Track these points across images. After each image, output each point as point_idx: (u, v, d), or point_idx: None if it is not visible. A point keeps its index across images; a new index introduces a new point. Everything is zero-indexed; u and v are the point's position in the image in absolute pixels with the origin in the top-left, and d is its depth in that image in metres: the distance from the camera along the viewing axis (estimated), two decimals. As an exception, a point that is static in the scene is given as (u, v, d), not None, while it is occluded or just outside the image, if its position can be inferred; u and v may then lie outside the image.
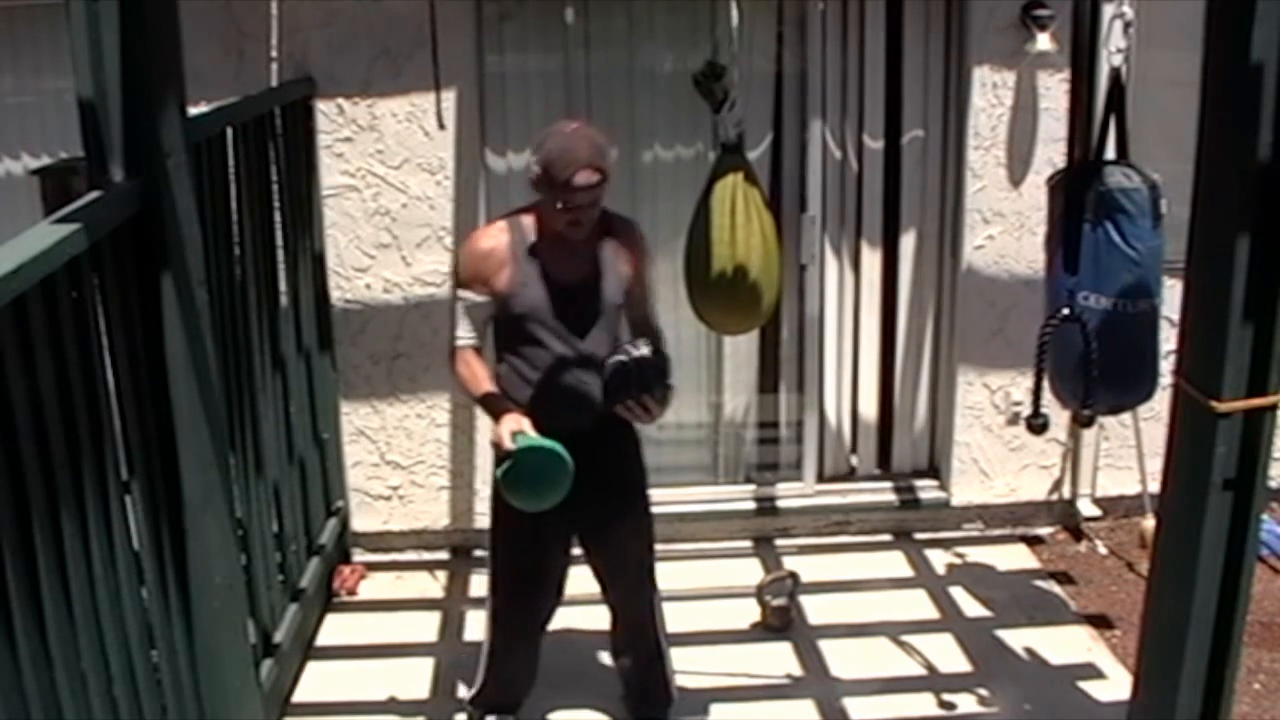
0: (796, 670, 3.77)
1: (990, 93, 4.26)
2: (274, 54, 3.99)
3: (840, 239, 4.56)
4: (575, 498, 2.91)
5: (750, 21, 3.70)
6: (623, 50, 4.38)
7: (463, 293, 3.08)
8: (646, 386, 2.96)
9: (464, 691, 3.63)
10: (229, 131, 3.29)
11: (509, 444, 2.87)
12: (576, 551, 3.35)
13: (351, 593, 4.30)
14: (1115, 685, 3.59)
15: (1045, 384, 3.12)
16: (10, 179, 4.57)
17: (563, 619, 3.45)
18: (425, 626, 4.08)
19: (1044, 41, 4.10)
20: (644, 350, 3.01)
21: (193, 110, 2.80)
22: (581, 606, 3.58)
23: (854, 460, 4.82)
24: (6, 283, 1.89)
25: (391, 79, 4.12)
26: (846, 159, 4.50)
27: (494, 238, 3.07)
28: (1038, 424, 3.16)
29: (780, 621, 3.95)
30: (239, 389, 3.30)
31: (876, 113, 4.46)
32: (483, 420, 4.39)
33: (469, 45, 4.16)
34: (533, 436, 2.90)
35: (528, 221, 3.08)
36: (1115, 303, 3.01)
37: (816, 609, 4.10)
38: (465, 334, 3.09)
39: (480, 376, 3.08)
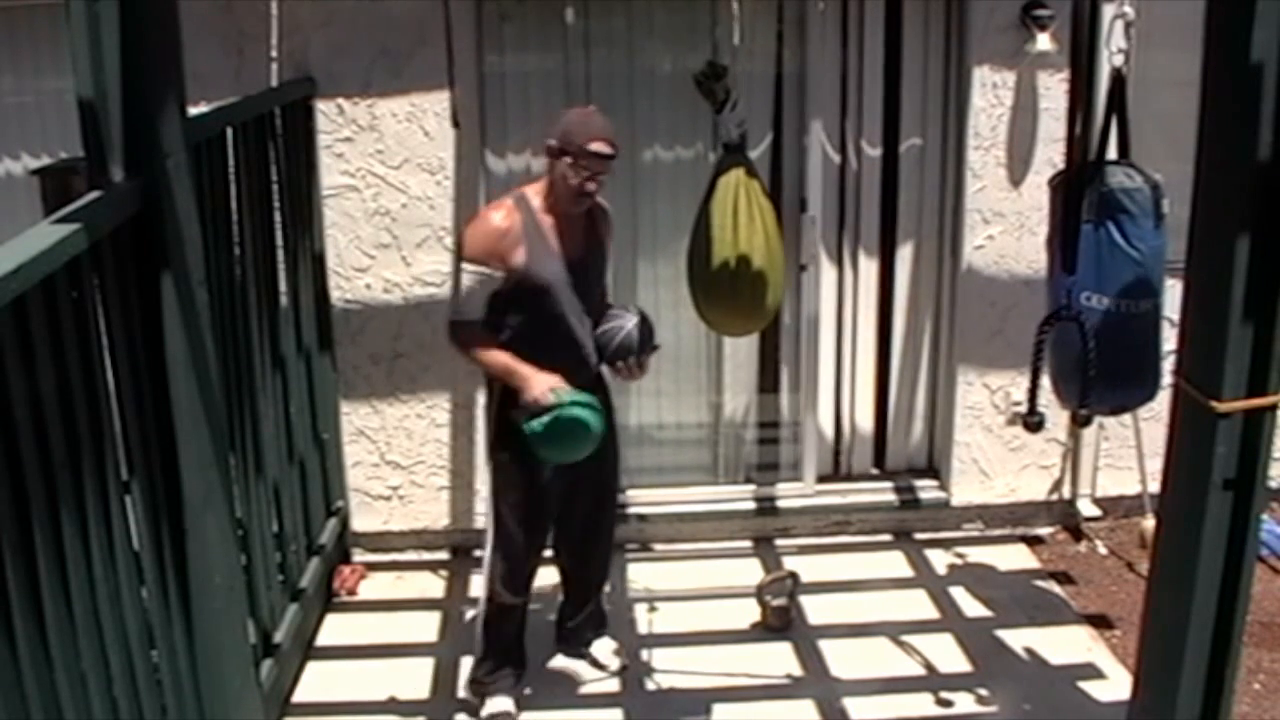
0: (796, 670, 3.77)
1: (990, 93, 4.26)
2: (274, 54, 3.99)
3: (840, 240, 4.56)
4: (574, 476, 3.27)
5: (750, 22, 3.70)
6: (623, 50, 4.39)
7: (476, 268, 3.24)
8: (645, 348, 3.34)
9: (463, 691, 3.65)
10: (229, 131, 3.29)
11: (550, 399, 3.15)
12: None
13: (351, 593, 4.30)
14: (1115, 685, 3.59)
15: (1043, 383, 3.13)
16: (10, 179, 4.56)
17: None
18: (425, 626, 4.08)
19: (1044, 41, 4.10)
20: (638, 316, 3.36)
21: (193, 110, 2.80)
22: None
23: (854, 460, 4.82)
24: (6, 283, 1.89)
25: (391, 79, 4.12)
26: (846, 160, 4.50)
27: (508, 215, 3.27)
28: (1034, 422, 3.16)
29: (780, 622, 3.96)
30: (239, 389, 3.30)
31: (876, 113, 4.46)
32: (483, 420, 4.39)
33: (469, 45, 4.16)
34: (573, 392, 3.17)
35: (534, 199, 3.31)
36: (1117, 303, 3.01)
37: (816, 609, 4.10)
38: (477, 307, 3.28)
39: (494, 347, 3.27)
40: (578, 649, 3.83)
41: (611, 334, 3.32)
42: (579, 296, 3.32)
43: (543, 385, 3.18)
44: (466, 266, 3.26)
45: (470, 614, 3.76)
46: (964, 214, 4.37)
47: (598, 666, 3.79)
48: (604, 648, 3.81)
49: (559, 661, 3.83)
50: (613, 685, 3.73)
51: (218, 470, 2.69)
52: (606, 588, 3.88)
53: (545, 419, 3.17)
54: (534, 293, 3.25)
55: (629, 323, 3.33)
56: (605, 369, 3.41)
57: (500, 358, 3.26)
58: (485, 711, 3.53)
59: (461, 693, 3.65)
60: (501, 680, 3.56)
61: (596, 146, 3.19)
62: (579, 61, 4.34)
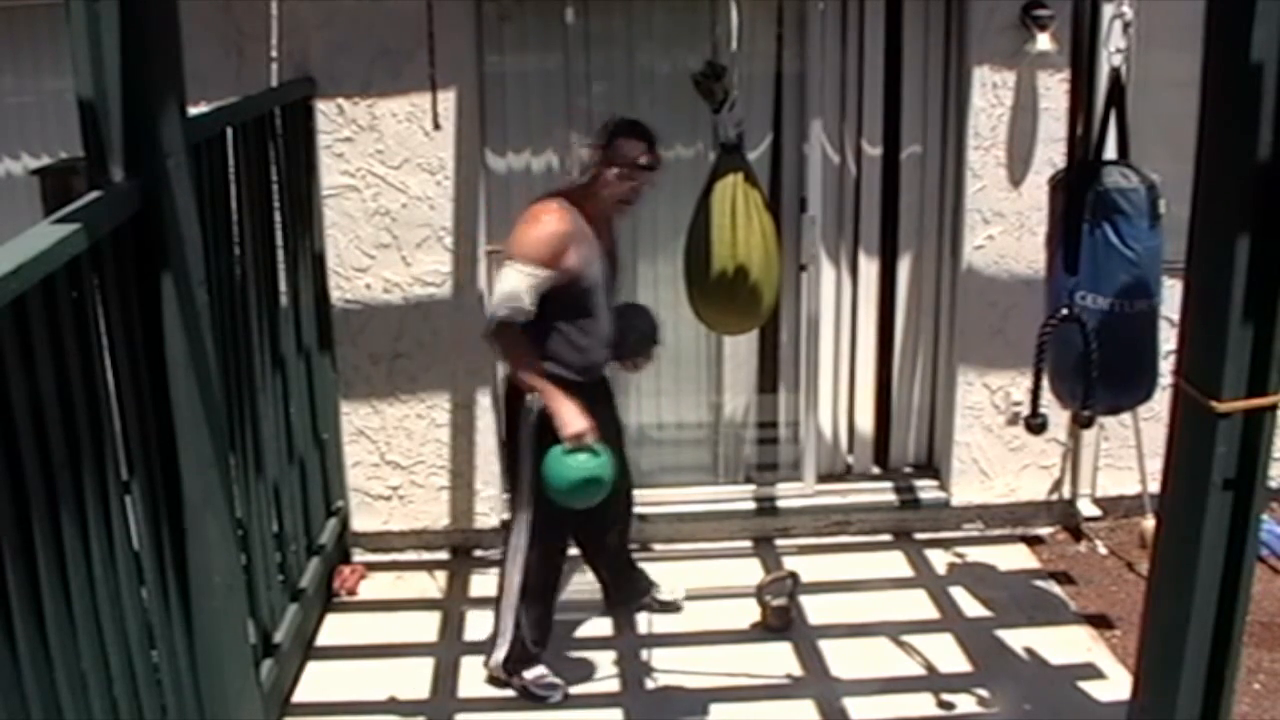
0: (796, 670, 3.77)
1: (990, 93, 4.26)
2: (274, 54, 3.99)
3: (840, 240, 4.56)
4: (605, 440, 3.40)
5: (750, 22, 3.69)
6: (623, 50, 4.39)
7: (533, 270, 3.29)
8: (655, 343, 3.66)
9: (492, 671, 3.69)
10: (229, 131, 3.29)
11: (587, 439, 3.28)
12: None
13: (351, 593, 4.30)
14: (1115, 685, 3.59)
15: (1044, 384, 3.12)
16: (10, 179, 4.57)
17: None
18: (425, 626, 4.08)
19: (1044, 41, 4.09)
20: (648, 311, 3.65)
21: (193, 110, 2.80)
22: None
23: (853, 460, 4.82)
24: (6, 283, 1.89)
25: (391, 79, 4.12)
26: (846, 160, 4.50)
27: (566, 219, 3.36)
28: (1036, 424, 3.16)
29: (780, 621, 3.96)
30: (239, 389, 3.30)
31: (876, 113, 4.46)
32: (483, 420, 4.40)
33: (469, 45, 4.16)
34: (600, 452, 3.32)
35: (577, 201, 3.41)
36: (1113, 303, 3.01)
37: (816, 609, 4.10)
38: (527, 309, 3.29)
39: (530, 350, 3.38)
40: (638, 606, 4.05)
41: (640, 329, 3.56)
42: (609, 293, 3.52)
43: (578, 424, 3.28)
44: (522, 268, 3.28)
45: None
46: (964, 214, 4.37)
47: (667, 606, 4.06)
48: (666, 589, 4.06)
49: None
50: (613, 685, 3.73)
51: (218, 470, 2.69)
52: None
53: (573, 479, 3.28)
54: (582, 293, 3.39)
55: (643, 318, 3.61)
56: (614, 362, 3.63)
57: (537, 368, 3.35)
58: (531, 674, 3.63)
59: (488, 677, 3.69)
60: (538, 651, 3.66)
61: (646, 160, 3.36)
62: (579, 61, 4.34)
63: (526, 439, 3.45)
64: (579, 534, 3.74)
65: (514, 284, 3.28)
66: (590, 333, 3.44)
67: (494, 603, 3.70)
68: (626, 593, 4.04)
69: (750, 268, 3.31)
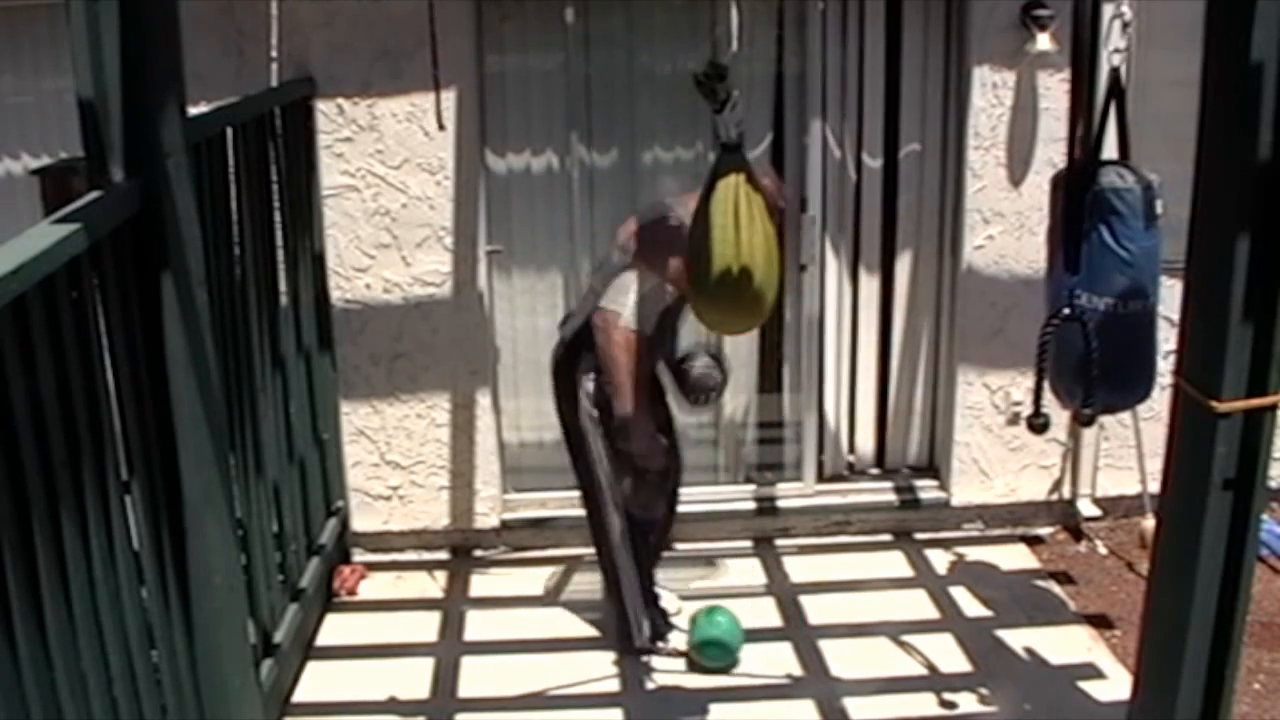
0: (796, 670, 3.77)
1: (990, 93, 4.26)
2: (274, 54, 3.99)
3: (840, 240, 4.56)
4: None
5: (750, 22, 3.69)
6: (623, 50, 4.38)
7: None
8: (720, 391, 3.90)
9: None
10: (229, 131, 3.28)
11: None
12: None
13: (351, 593, 4.30)
14: (1115, 685, 3.59)
15: (1046, 383, 3.12)
16: (10, 179, 4.56)
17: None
18: (425, 626, 4.08)
19: (1044, 41, 4.10)
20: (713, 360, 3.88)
21: (193, 110, 2.80)
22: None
23: (854, 460, 4.82)
24: (6, 283, 1.89)
25: (391, 79, 4.12)
26: (846, 159, 4.50)
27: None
28: (1039, 423, 3.16)
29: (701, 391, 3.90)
30: (239, 389, 3.30)
31: (876, 113, 4.46)
32: (483, 420, 4.40)
33: (469, 45, 4.16)
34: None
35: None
36: (1107, 302, 3.01)
37: (816, 609, 4.10)
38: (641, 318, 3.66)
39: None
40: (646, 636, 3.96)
41: (694, 370, 3.77)
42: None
43: (650, 443, 3.67)
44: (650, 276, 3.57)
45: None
46: (964, 214, 4.37)
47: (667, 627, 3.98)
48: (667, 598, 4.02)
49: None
50: (613, 685, 3.73)
51: (218, 470, 2.69)
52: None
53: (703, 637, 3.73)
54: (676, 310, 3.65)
55: (713, 369, 3.80)
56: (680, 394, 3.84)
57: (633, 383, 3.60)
58: (669, 647, 3.83)
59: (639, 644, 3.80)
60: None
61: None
62: (579, 61, 4.34)
63: (586, 416, 3.66)
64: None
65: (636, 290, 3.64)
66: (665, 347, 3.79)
67: (612, 595, 3.84)
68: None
69: (753, 268, 3.31)
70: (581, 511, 3.89)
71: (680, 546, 4.58)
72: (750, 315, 3.51)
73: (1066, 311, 3.01)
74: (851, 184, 4.52)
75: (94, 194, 2.35)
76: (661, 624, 3.86)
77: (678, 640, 3.84)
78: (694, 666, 3.75)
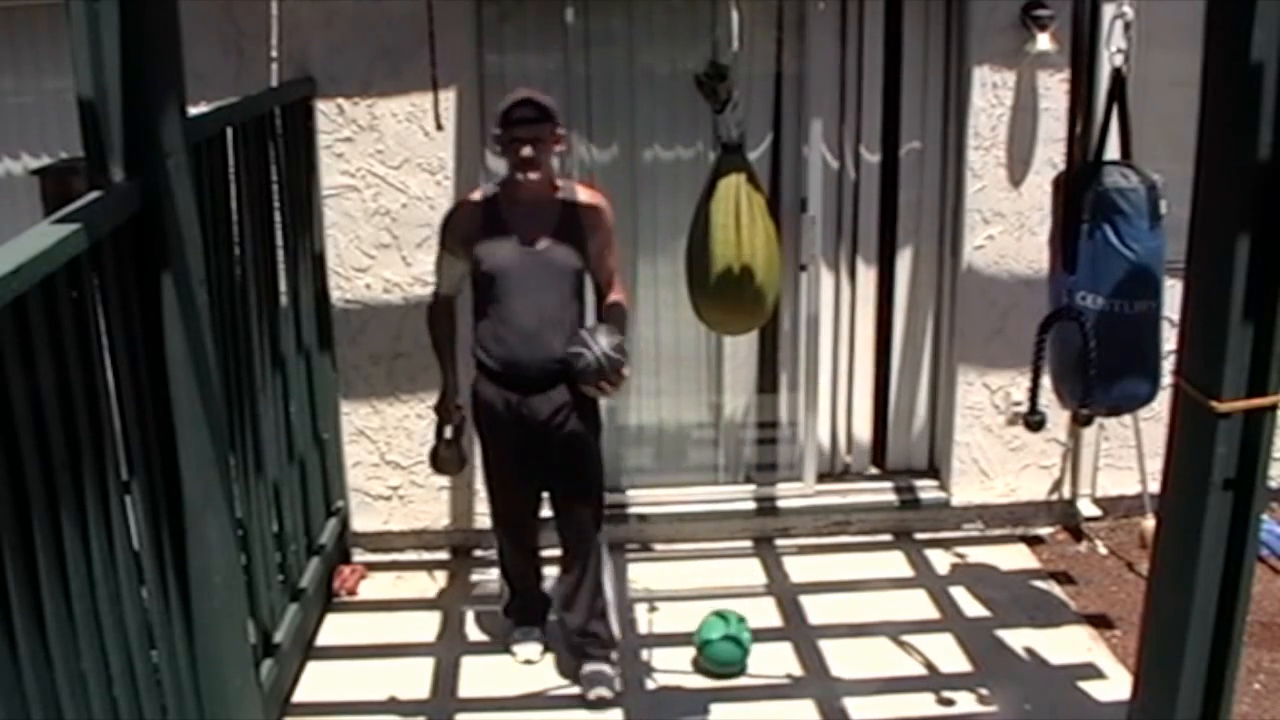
0: (796, 670, 3.77)
1: (990, 93, 4.26)
2: (274, 54, 3.99)
3: (840, 240, 4.57)
4: (539, 460, 3.55)
5: (750, 22, 3.69)
6: (623, 50, 4.38)
7: (440, 251, 3.57)
8: (608, 377, 3.38)
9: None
10: (229, 131, 3.28)
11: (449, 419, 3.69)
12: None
13: (351, 593, 4.30)
14: (1115, 685, 3.59)
15: (1043, 382, 3.12)
16: (10, 179, 4.56)
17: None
18: (425, 626, 4.08)
19: (1044, 41, 4.10)
20: (603, 344, 3.36)
21: (193, 110, 2.80)
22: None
23: (853, 460, 4.82)
24: (6, 283, 1.88)
25: (391, 79, 4.12)
26: (846, 160, 4.50)
27: (469, 205, 3.54)
28: (1035, 421, 3.16)
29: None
30: (239, 389, 3.30)
31: (876, 113, 4.46)
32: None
33: (469, 45, 4.16)
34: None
35: (500, 191, 3.49)
36: (1111, 303, 3.00)
37: (816, 609, 4.10)
38: (440, 288, 3.63)
39: (443, 337, 3.66)
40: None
41: (575, 357, 3.38)
42: (533, 284, 3.40)
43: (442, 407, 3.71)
44: (440, 251, 3.58)
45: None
46: (964, 214, 4.37)
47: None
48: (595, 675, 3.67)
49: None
50: (614, 685, 3.72)
51: (218, 470, 2.69)
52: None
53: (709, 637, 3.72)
54: (485, 279, 3.43)
55: (590, 354, 3.34)
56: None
57: (444, 349, 3.66)
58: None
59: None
60: None
61: (519, 113, 3.31)
62: (579, 61, 4.34)
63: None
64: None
65: (438, 267, 3.61)
66: (506, 322, 3.42)
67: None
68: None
69: (754, 268, 3.31)
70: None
71: (680, 546, 4.58)
72: (751, 315, 3.51)
73: (1065, 311, 3.01)
74: (851, 184, 4.53)
75: (94, 194, 2.35)
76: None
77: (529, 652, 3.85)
78: (697, 668, 3.74)
